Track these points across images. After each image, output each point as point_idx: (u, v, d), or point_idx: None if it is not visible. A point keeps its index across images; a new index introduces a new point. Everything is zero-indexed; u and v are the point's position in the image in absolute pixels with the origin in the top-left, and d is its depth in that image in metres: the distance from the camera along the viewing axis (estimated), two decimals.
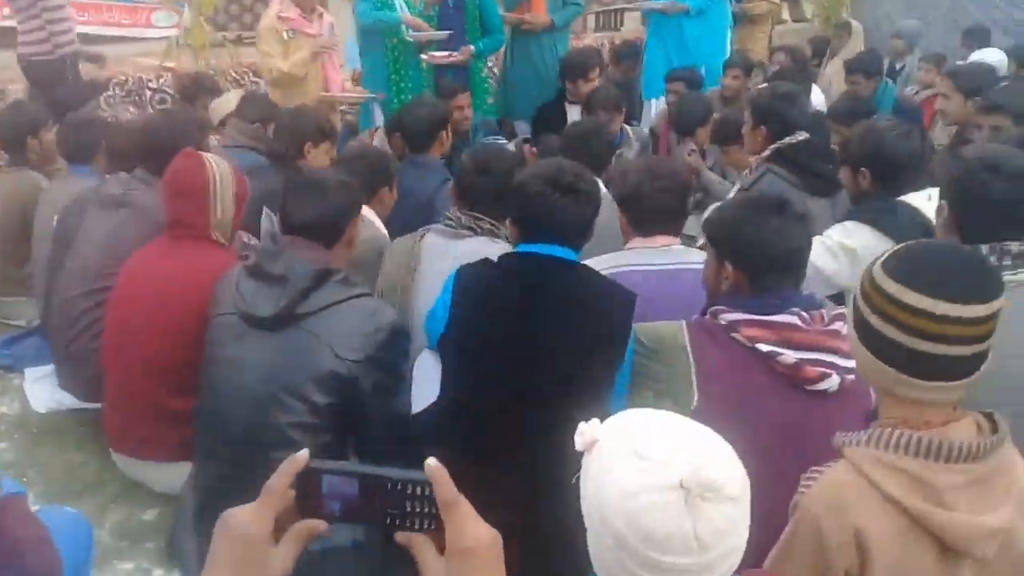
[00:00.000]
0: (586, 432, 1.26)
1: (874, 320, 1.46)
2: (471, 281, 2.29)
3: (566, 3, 6.20)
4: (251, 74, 7.37)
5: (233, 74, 7.40)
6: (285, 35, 4.98)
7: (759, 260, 2.09)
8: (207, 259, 2.74)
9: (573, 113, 5.80)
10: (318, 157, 3.94)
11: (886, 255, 1.49)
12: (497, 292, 2.26)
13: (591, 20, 10.30)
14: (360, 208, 2.60)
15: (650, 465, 1.17)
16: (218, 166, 2.82)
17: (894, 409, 1.49)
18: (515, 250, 2.35)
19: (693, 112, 5.10)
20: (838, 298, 2.99)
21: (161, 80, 6.88)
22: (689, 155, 4.59)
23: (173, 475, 2.78)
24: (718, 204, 2.35)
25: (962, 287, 1.39)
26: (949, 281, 1.40)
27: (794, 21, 10.13)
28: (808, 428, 2.01)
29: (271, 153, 4.04)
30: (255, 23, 9.16)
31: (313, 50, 5.24)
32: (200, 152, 2.90)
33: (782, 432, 1.98)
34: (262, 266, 2.36)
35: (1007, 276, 2.12)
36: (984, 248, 2.16)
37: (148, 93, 6.88)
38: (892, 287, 1.42)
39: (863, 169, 3.02)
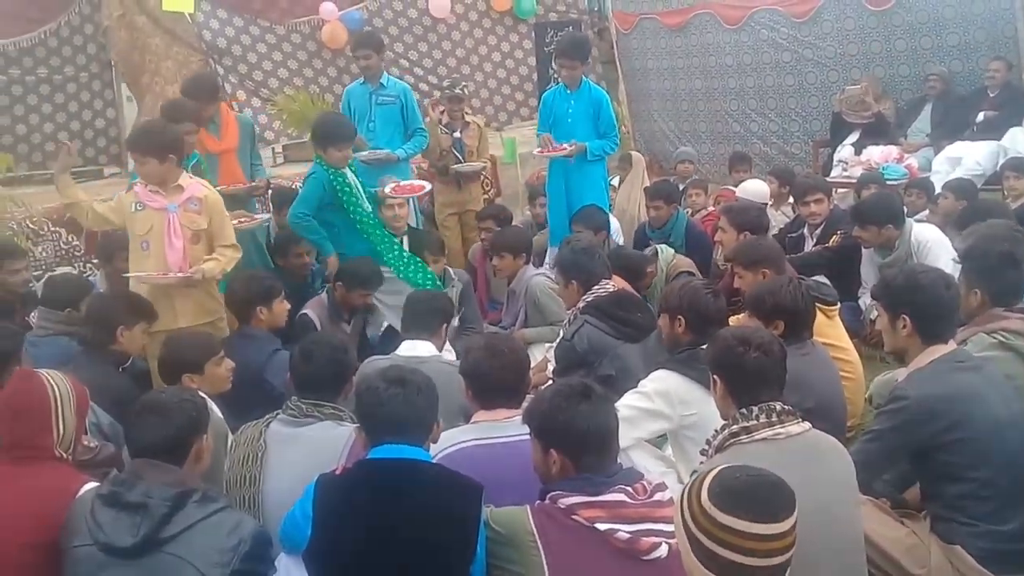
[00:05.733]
0: None
1: (704, 540, 1.75)
2: (330, 492, 2.44)
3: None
4: (50, 224, 6.92)
5: (30, 225, 6.84)
6: (134, 208, 4.34)
7: (578, 443, 2.38)
8: (52, 483, 2.69)
9: None
10: (133, 340, 3.96)
11: (709, 484, 1.79)
12: (354, 502, 2.41)
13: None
14: (207, 422, 2.70)
15: None
16: (57, 384, 2.81)
17: None
18: (367, 457, 2.52)
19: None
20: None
21: None
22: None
23: None
24: (532, 397, 2.67)
25: (771, 509, 1.74)
26: (761, 505, 1.74)
27: None
28: None
29: (85, 340, 4.00)
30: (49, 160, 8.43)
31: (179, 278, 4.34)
32: (37, 371, 2.89)
33: None
34: (119, 495, 2.40)
35: (778, 430, 2.51)
36: (755, 409, 2.54)
37: None
38: (718, 515, 1.74)
39: (679, 318, 3.46)
